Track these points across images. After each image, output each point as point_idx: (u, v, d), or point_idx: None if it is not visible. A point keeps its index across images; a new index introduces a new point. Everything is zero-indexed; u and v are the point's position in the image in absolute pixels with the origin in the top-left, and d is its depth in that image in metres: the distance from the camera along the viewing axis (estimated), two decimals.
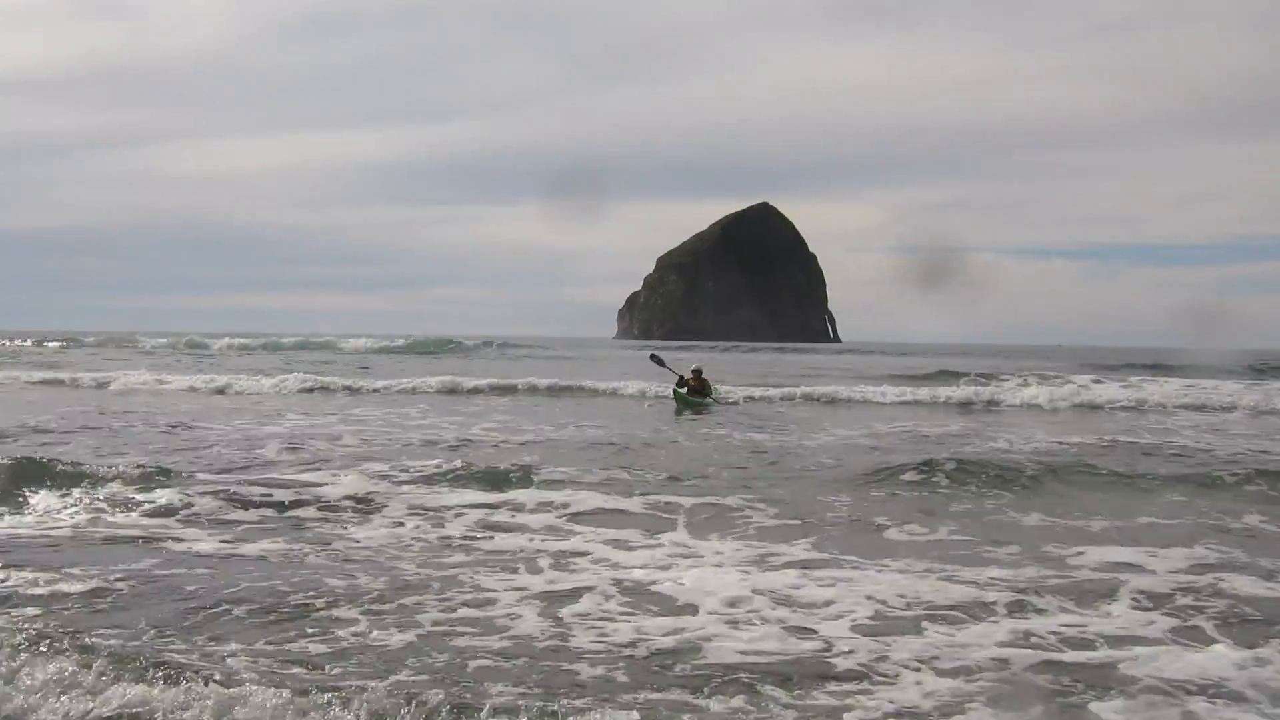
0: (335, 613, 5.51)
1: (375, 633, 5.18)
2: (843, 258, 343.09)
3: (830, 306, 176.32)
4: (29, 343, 51.06)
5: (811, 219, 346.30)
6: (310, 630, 5.21)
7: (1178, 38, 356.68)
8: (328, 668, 4.68)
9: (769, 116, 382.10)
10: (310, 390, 23.58)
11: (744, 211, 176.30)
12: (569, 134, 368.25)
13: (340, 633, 5.17)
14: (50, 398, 20.78)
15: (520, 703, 4.22)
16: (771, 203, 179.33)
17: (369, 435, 13.74)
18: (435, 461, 10.69)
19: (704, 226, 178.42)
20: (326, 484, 9.24)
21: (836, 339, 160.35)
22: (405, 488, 9.21)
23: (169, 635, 5.07)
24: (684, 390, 22.37)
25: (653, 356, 24.24)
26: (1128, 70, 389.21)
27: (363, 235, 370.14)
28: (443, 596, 5.85)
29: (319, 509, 8.32)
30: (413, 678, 4.61)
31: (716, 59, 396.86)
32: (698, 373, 23.12)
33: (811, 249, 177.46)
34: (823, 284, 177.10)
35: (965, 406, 22.47)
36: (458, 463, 10.47)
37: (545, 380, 25.79)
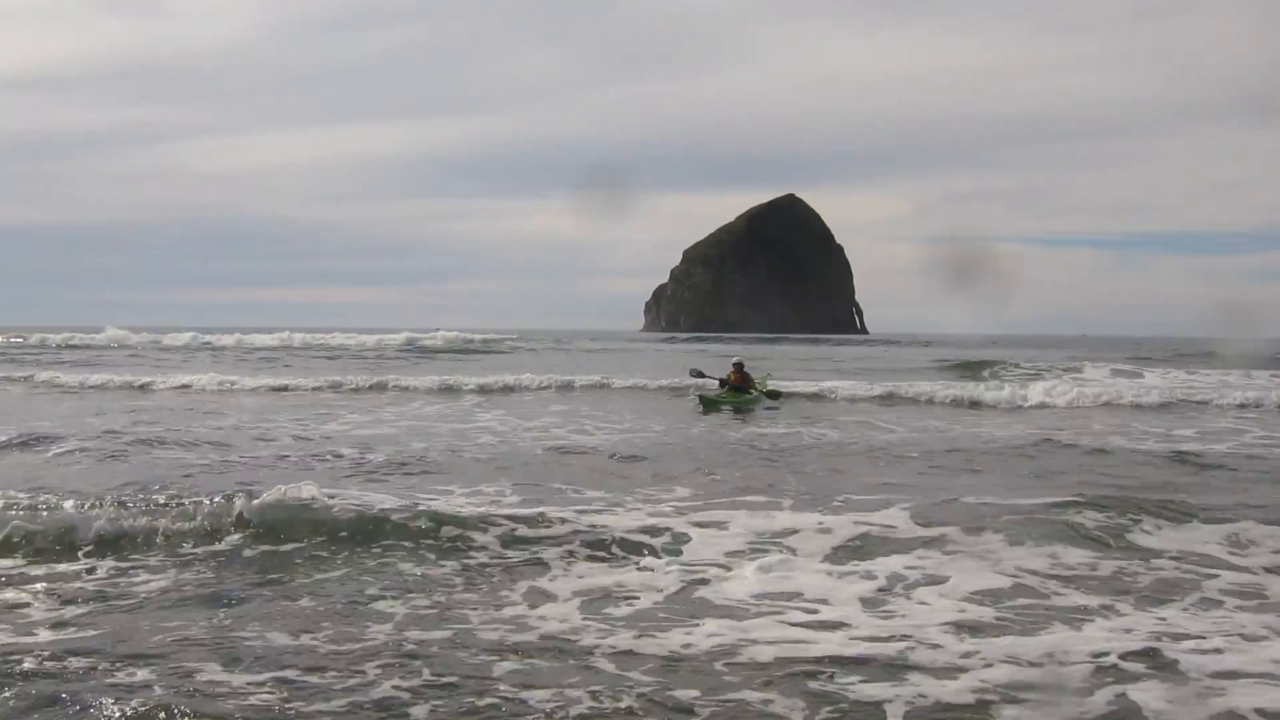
0: None
1: None
2: (869, 249, 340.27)
3: (857, 298, 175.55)
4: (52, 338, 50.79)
5: (837, 210, 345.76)
6: None
7: (1204, 24, 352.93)
8: None
9: (793, 107, 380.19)
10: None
11: (770, 203, 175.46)
12: (593, 126, 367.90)
13: None
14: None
15: None
16: (797, 194, 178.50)
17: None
18: None
19: (730, 218, 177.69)
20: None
21: (864, 330, 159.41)
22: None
23: None
24: (723, 388, 20.99)
25: (693, 371, 23.03)
26: (1154, 58, 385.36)
27: (386, 229, 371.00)
28: None
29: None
30: None
31: (740, 49, 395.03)
32: (739, 366, 21.70)
33: (838, 240, 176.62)
34: (849, 275, 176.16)
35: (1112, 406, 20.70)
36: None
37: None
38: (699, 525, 8.04)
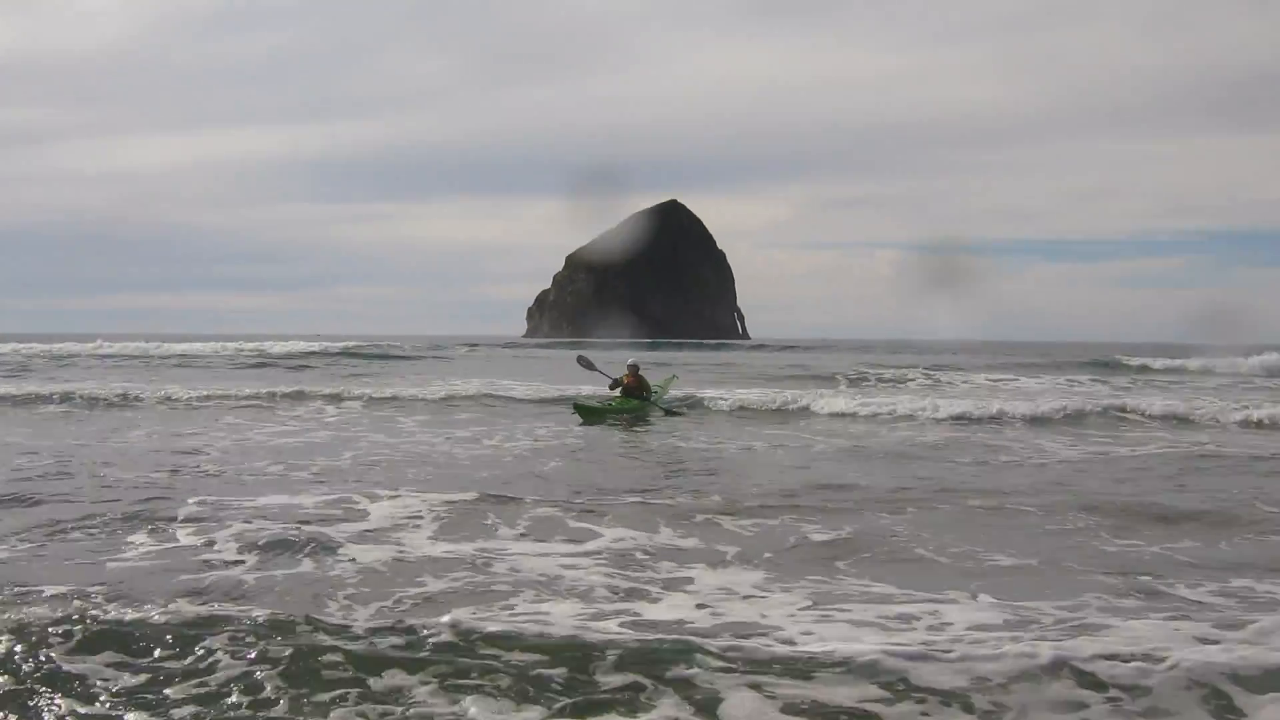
0: None
1: None
2: (752, 254, 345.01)
3: (740, 303, 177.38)
4: None
5: (721, 216, 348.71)
6: None
7: (1079, 36, 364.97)
8: None
9: (676, 113, 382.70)
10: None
11: (653, 209, 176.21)
12: (477, 131, 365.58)
13: None
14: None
15: None
16: (681, 200, 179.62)
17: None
18: None
19: (614, 224, 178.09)
20: None
21: (746, 335, 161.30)
22: None
23: None
24: (615, 390, 19.83)
25: (580, 359, 21.93)
26: (1031, 68, 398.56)
27: (268, 234, 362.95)
28: None
29: None
30: None
31: (623, 55, 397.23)
32: (634, 369, 20.33)
33: (721, 246, 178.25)
34: (732, 281, 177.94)
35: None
36: None
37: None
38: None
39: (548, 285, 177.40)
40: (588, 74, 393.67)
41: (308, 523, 8.43)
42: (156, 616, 5.42)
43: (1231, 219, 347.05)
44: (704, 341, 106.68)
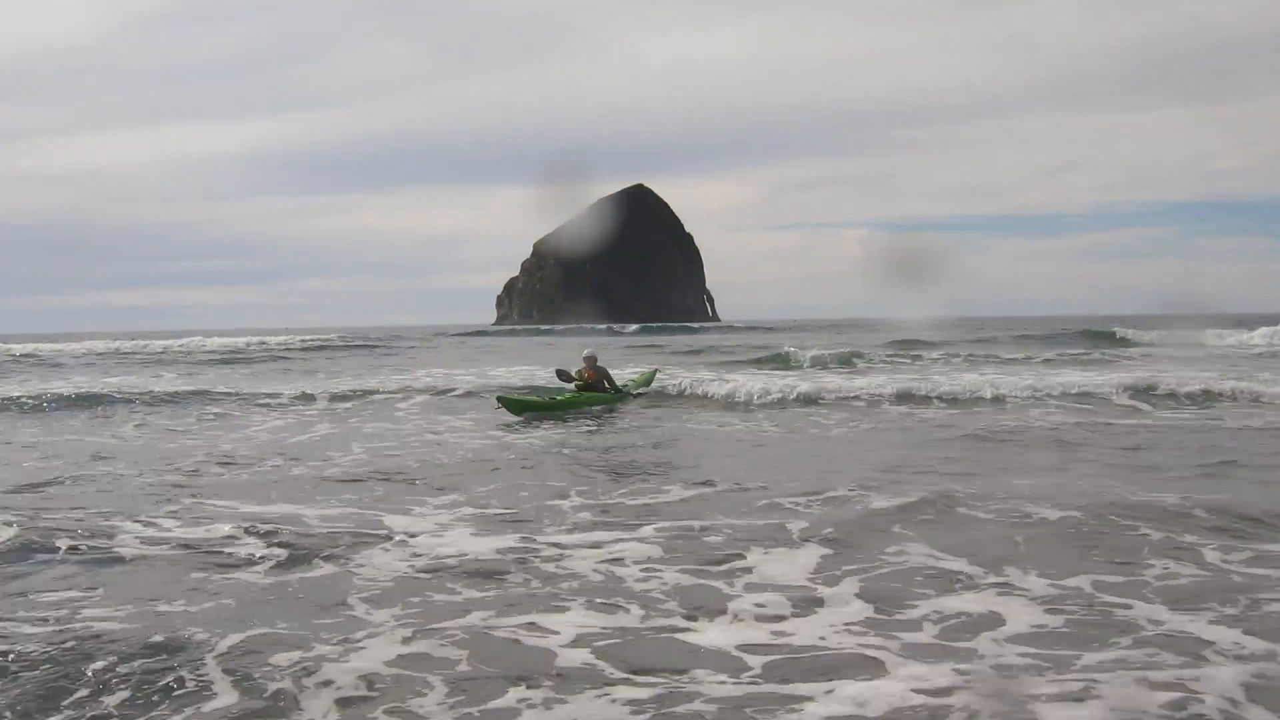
0: None
1: None
2: (719, 237, 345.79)
3: (708, 286, 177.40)
4: None
5: (687, 199, 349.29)
6: None
7: (1037, 11, 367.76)
8: None
9: (640, 98, 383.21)
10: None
11: (619, 194, 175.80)
12: (440, 120, 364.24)
13: None
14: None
15: None
16: (646, 184, 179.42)
17: None
18: None
19: (581, 210, 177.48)
20: None
21: (716, 318, 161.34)
22: None
23: None
24: (569, 384, 18.11)
25: (560, 374, 18.57)
26: (989, 44, 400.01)
27: (232, 229, 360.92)
28: None
29: None
30: None
31: (586, 40, 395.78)
32: (591, 360, 18.66)
33: (688, 229, 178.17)
34: (700, 264, 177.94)
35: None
36: None
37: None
38: None
39: (516, 273, 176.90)
40: (551, 60, 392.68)
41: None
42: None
43: (1193, 190, 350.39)
44: (680, 324, 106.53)
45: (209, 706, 4.65)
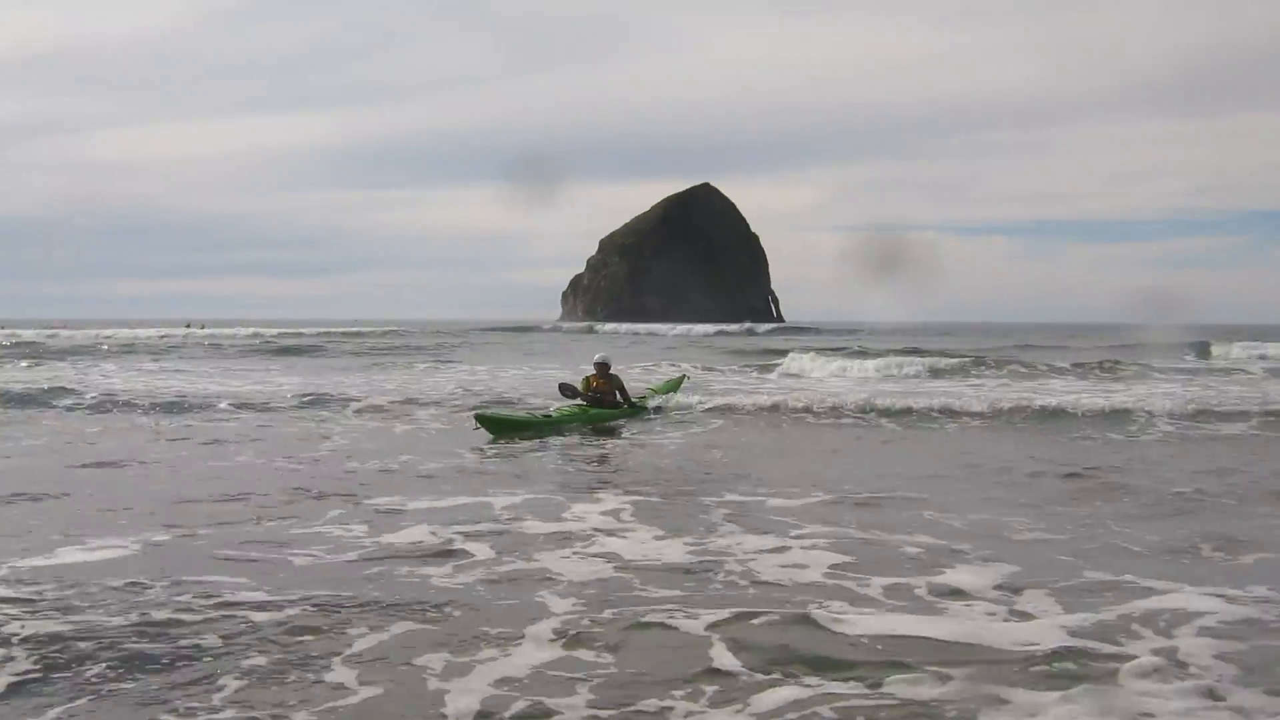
0: None
1: None
2: (785, 237, 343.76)
3: (773, 286, 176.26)
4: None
5: (753, 199, 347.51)
6: None
7: (1111, 15, 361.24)
8: None
9: (709, 96, 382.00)
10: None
11: (686, 192, 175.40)
12: (511, 116, 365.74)
13: None
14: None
15: None
16: (713, 183, 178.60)
17: None
18: None
19: (646, 208, 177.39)
20: None
21: (780, 319, 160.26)
22: None
23: None
24: (579, 398, 15.78)
25: (563, 388, 16.30)
26: (1062, 48, 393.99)
27: (304, 220, 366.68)
28: None
29: None
30: None
31: (654, 38, 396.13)
32: (602, 367, 16.20)
33: (754, 229, 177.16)
34: (765, 264, 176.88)
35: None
36: None
37: None
38: None
39: (582, 269, 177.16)
40: (619, 58, 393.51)
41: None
42: None
43: (1270, 198, 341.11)
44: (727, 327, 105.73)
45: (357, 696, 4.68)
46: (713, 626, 5.51)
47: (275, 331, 60.29)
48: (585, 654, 5.17)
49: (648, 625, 5.58)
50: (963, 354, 30.63)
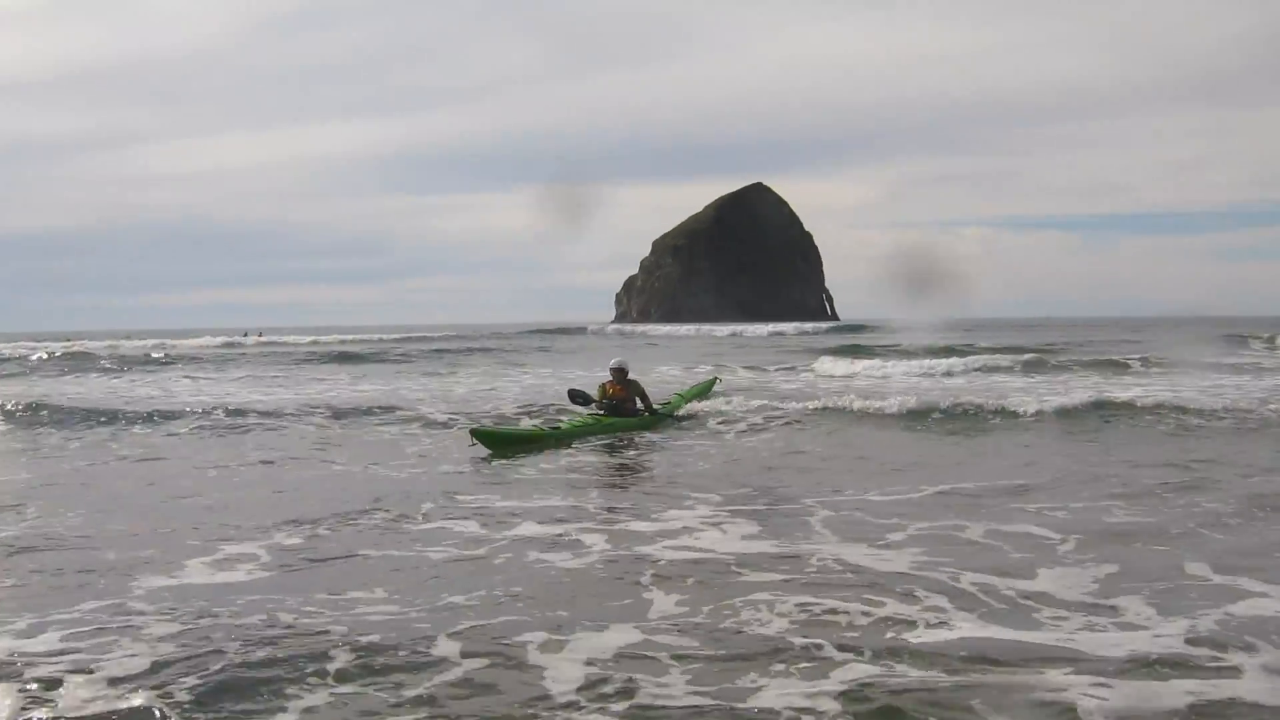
0: None
1: None
2: (839, 235, 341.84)
3: (827, 285, 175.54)
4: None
5: (806, 197, 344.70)
6: None
7: (1167, 5, 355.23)
8: None
9: (759, 95, 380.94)
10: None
11: (738, 192, 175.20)
12: (559, 118, 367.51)
13: None
14: None
15: None
16: (765, 182, 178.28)
17: None
18: None
19: (698, 208, 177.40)
20: None
21: (834, 317, 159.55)
22: None
23: None
24: (596, 407, 14.85)
25: (573, 394, 15.30)
26: (1117, 38, 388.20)
27: (353, 227, 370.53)
28: None
29: None
30: None
31: (705, 37, 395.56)
32: (620, 372, 15.13)
33: (807, 228, 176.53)
34: (819, 262, 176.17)
35: None
36: None
37: None
38: None
39: (635, 271, 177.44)
40: (670, 58, 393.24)
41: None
42: None
43: None
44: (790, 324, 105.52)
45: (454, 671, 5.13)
46: (799, 618, 5.80)
47: (335, 338, 61.26)
48: (678, 638, 5.52)
49: (740, 612, 5.92)
50: (1028, 349, 30.57)
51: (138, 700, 4.74)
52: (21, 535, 8.14)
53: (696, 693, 4.81)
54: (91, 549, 7.76)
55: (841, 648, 5.31)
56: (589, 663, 5.20)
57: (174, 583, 6.84)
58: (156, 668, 5.16)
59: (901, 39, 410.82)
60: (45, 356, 40.12)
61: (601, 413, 14.80)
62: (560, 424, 14.70)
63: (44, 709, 4.69)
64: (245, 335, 69.95)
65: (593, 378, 15.25)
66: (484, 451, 12.93)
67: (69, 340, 65.78)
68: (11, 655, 5.36)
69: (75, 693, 4.85)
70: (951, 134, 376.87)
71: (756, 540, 7.78)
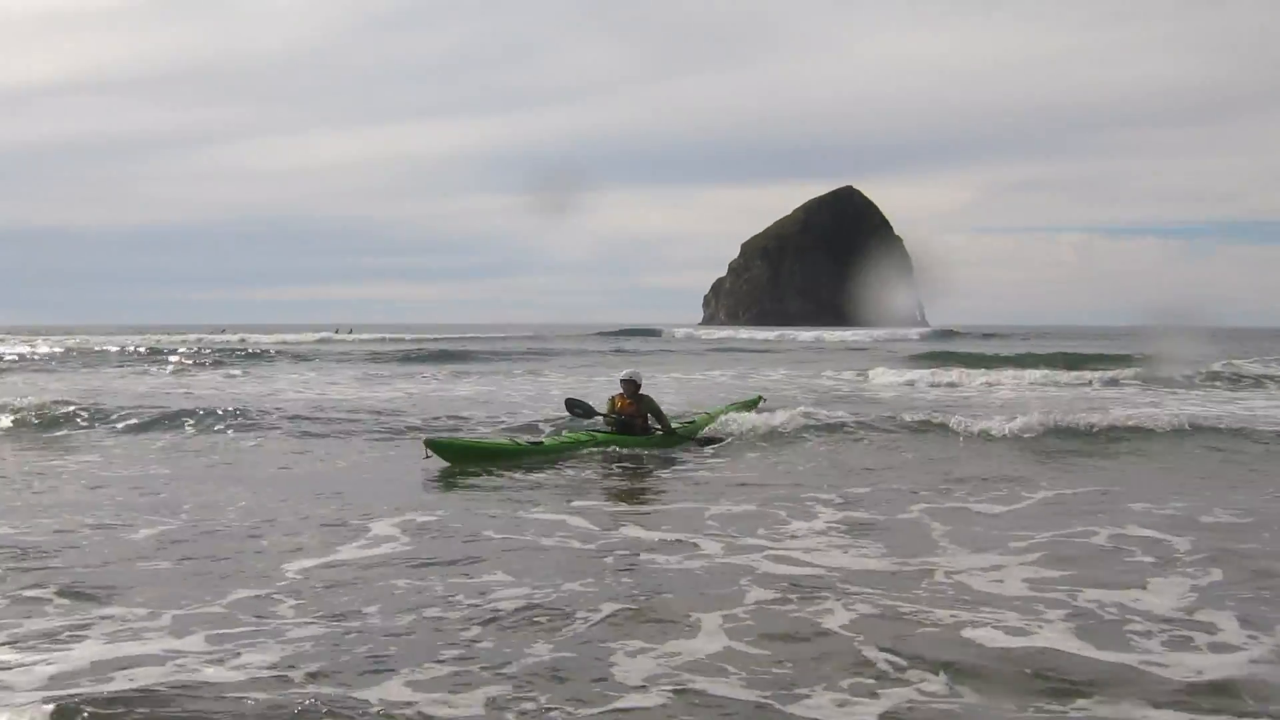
0: None
1: None
2: (930, 239, 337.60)
3: (919, 290, 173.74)
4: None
5: (897, 201, 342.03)
6: None
7: (1270, 6, 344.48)
8: None
9: (851, 98, 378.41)
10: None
11: (828, 195, 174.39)
12: (654, 120, 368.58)
13: None
14: None
15: None
16: (856, 185, 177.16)
17: None
18: None
19: (788, 211, 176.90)
20: None
21: (924, 322, 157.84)
22: None
23: None
24: (592, 419, 13.61)
25: (571, 405, 14.09)
26: (1216, 42, 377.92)
27: (449, 225, 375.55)
28: None
29: None
30: None
31: (799, 41, 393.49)
32: (631, 385, 13.49)
33: (898, 231, 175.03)
34: (910, 266, 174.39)
35: None
36: None
37: None
38: None
39: (724, 273, 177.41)
40: (762, 61, 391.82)
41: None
42: None
43: None
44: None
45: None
46: (880, 631, 5.71)
47: (434, 336, 62.42)
48: (751, 645, 5.54)
49: (820, 621, 5.91)
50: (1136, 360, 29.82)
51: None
52: (178, 528, 8.52)
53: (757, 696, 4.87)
54: (247, 536, 8.24)
55: (912, 664, 5.23)
56: (664, 656, 5.38)
57: (321, 561, 7.35)
58: (297, 644, 5.53)
59: (994, 42, 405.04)
60: (183, 355, 41.01)
61: (610, 429, 13.27)
62: (541, 441, 13.12)
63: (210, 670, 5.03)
64: (335, 331, 71.40)
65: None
66: (442, 463, 11.95)
67: (162, 335, 67.92)
68: (175, 629, 5.77)
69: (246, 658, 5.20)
70: (1046, 138, 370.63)
71: (862, 550, 7.79)
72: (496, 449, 12.47)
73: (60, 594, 6.45)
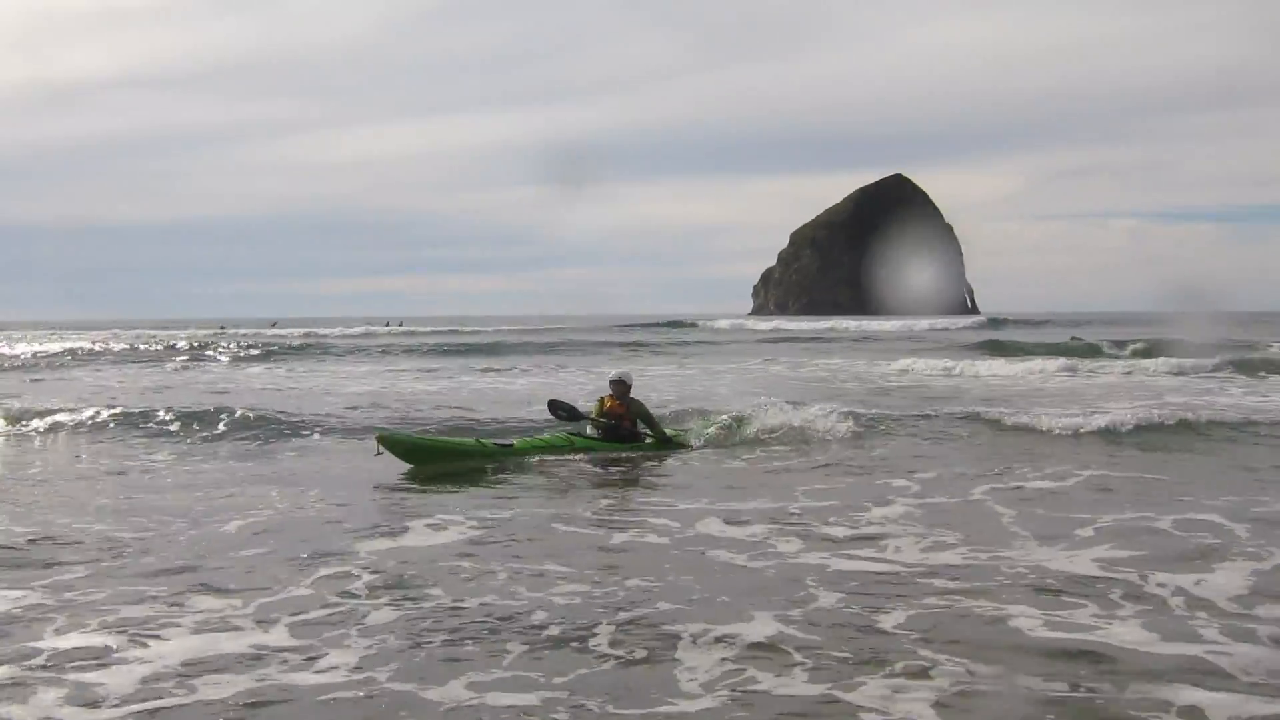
0: None
1: None
2: (980, 227, 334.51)
3: (968, 277, 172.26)
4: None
5: (947, 188, 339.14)
6: None
7: None
8: None
9: (900, 86, 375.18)
10: None
11: (877, 184, 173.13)
12: (703, 111, 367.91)
13: None
14: None
15: None
16: (905, 173, 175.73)
17: None
18: None
19: (837, 199, 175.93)
20: None
21: (975, 310, 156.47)
22: None
23: None
24: (577, 422, 12.69)
25: (555, 407, 12.98)
26: (1266, 25, 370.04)
27: (499, 217, 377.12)
28: None
29: None
30: None
31: (846, 29, 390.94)
32: (620, 386, 12.72)
33: (948, 219, 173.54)
34: (960, 255, 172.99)
35: None
36: None
37: None
38: None
39: (773, 263, 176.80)
40: (810, 50, 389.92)
41: None
42: None
43: None
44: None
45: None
46: (934, 627, 5.74)
47: (492, 329, 62.90)
48: (805, 636, 5.64)
49: (875, 617, 5.94)
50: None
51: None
52: (267, 520, 8.87)
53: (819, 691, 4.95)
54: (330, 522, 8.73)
55: (965, 656, 5.29)
56: (727, 643, 5.52)
57: (394, 545, 7.83)
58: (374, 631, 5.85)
59: (1044, 28, 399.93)
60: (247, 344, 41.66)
61: (596, 434, 12.49)
62: (511, 443, 12.24)
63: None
64: (387, 325, 72.45)
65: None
66: (402, 465, 11.38)
67: (220, 329, 69.17)
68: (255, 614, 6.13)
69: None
70: (1096, 124, 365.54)
71: (940, 545, 7.77)
72: (457, 448, 11.76)
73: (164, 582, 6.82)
